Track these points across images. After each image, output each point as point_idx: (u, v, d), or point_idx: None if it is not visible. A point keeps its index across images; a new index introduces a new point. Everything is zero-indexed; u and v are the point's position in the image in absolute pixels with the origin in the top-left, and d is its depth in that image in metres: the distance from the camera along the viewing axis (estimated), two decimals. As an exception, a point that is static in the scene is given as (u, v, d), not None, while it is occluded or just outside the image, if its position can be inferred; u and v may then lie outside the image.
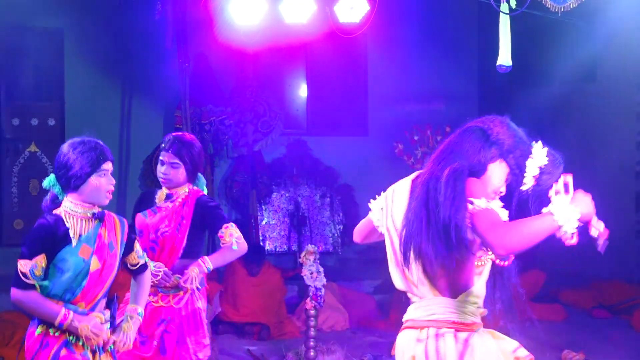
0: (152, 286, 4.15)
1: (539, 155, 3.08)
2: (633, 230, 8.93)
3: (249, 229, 9.42)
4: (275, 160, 9.93)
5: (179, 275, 4.30)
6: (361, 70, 10.52)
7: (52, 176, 3.51)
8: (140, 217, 4.48)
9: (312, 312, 6.48)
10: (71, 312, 3.39)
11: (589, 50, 8.43)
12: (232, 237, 4.37)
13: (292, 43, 8.96)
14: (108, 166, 3.51)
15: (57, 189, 3.51)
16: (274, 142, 9.66)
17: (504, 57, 5.45)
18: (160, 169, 4.45)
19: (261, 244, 9.43)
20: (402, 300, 8.92)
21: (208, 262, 4.33)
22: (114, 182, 3.55)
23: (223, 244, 4.40)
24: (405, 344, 3.09)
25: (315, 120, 10.42)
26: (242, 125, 9.48)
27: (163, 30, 8.48)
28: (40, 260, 3.38)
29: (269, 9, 7.48)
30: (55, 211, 3.51)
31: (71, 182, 3.45)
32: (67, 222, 3.46)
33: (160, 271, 4.29)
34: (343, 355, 7.02)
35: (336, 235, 9.87)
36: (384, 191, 3.28)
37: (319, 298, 6.45)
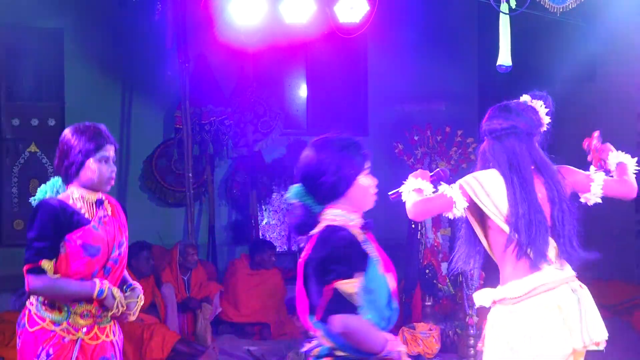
0: (89, 316, 3.60)
1: None
2: (633, 230, 8.92)
3: (249, 229, 9.41)
4: (275, 160, 9.92)
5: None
6: (361, 70, 10.51)
7: (298, 187, 3.02)
8: (91, 231, 3.55)
9: (312, 312, 6.47)
10: None
11: (589, 50, 8.41)
12: None
13: (292, 43, 8.95)
14: (368, 164, 3.12)
15: (309, 200, 2.98)
16: (274, 142, 9.65)
17: (504, 57, 5.46)
18: (108, 168, 3.57)
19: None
20: (402, 300, 8.89)
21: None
22: (376, 181, 3.10)
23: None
24: (564, 298, 3.51)
25: (315, 120, 10.41)
26: (242, 126, 9.47)
27: (163, 30, 8.47)
28: (362, 279, 2.81)
29: (269, 9, 7.48)
30: (321, 227, 2.92)
31: (341, 185, 2.97)
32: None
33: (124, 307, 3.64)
34: (343, 355, 7.01)
35: (336, 235, 9.85)
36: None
37: (319, 298, 6.45)
